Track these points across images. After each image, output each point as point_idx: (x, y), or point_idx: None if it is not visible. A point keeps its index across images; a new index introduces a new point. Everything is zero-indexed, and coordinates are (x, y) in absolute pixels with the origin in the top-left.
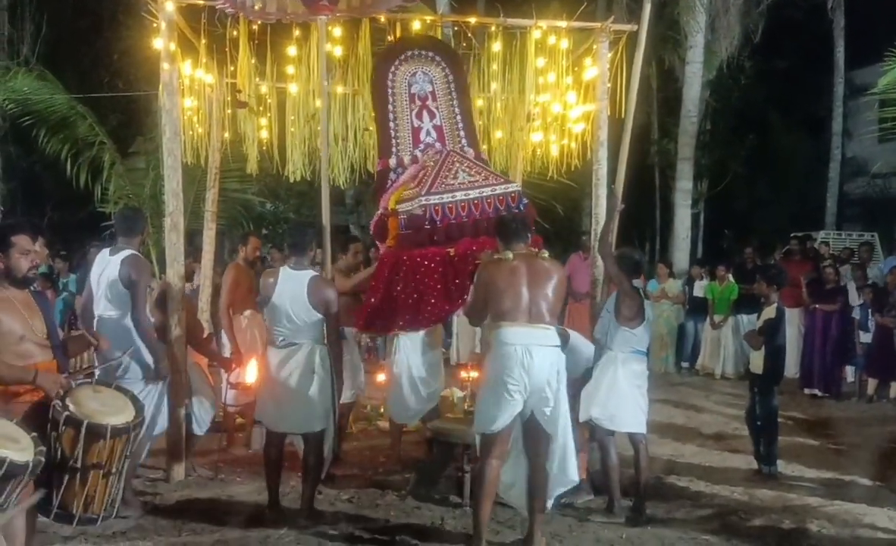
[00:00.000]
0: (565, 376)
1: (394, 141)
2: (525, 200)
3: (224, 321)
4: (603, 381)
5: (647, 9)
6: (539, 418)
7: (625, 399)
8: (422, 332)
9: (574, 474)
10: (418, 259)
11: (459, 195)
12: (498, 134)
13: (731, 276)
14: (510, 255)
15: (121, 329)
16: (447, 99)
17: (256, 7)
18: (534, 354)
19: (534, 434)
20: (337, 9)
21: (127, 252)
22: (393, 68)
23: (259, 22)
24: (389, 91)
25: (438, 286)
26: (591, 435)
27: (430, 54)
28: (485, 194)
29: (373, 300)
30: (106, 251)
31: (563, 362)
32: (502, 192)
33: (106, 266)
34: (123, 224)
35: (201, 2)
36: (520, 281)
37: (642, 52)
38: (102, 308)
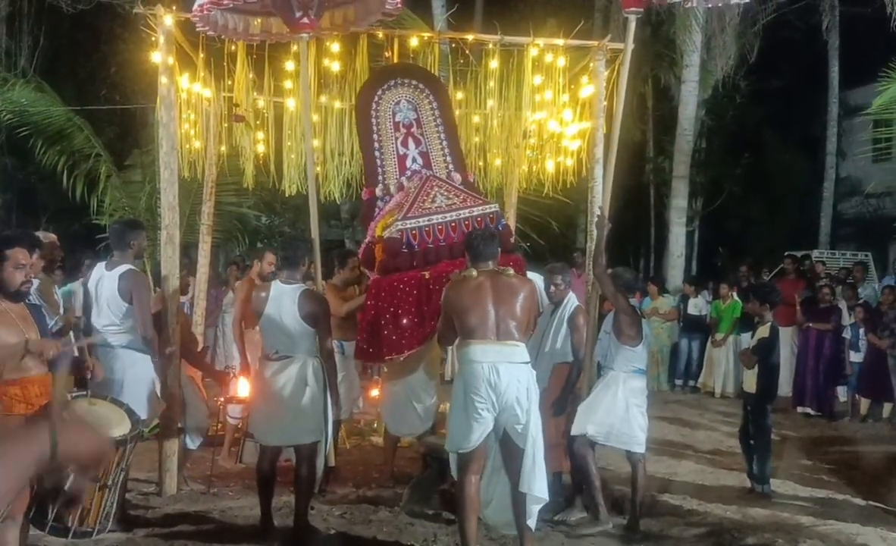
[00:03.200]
0: (536, 393)
1: (380, 170)
2: (504, 221)
3: (235, 333)
4: (603, 399)
5: (632, 28)
6: (512, 435)
7: (625, 418)
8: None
9: (543, 492)
10: (395, 283)
11: (437, 218)
12: (494, 150)
13: (734, 295)
14: (474, 272)
15: (121, 343)
16: (432, 126)
17: (238, 28)
18: (501, 372)
19: (512, 452)
20: (319, 26)
21: (124, 267)
22: (376, 98)
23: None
24: (373, 120)
25: (413, 309)
26: (570, 446)
27: (414, 82)
28: (462, 216)
29: (364, 329)
30: (101, 265)
31: (533, 379)
32: (480, 214)
33: (100, 280)
34: (116, 237)
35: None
36: (485, 298)
37: (627, 71)
38: (104, 321)
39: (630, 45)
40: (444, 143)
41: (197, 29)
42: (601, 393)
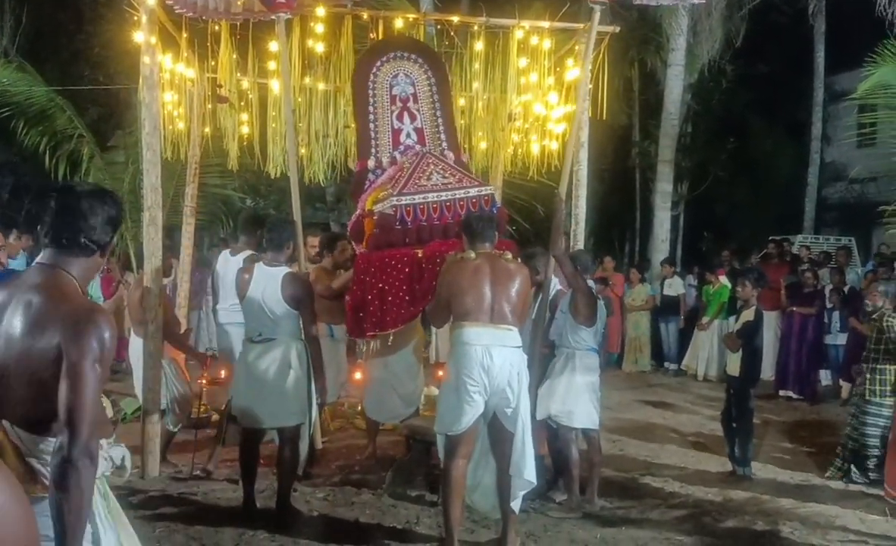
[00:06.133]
0: (527, 377)
1: (373, 142)
2: (498, 204)
3: None
4: (560, 379)
5: (596, 19)
6: (501, 419)
7: (581, 396)
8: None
9: (531, 476)
10: (386, 259)
11: (431, 197)
12: (479, 133)
13: (722, 279)
14: (472, 254)
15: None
16: (429, 102)
17: (219, 8)
18: (494, 355)
19: (500, 435)
20: (296, 5)
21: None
22: (375, 69)
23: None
24: (370, 92)
25: (404, 287)
26: (554, 435)
27: (413, 56)
28: (457, 196)
29: (351, 304)
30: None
31: (524, 363)
32: (475, 195)
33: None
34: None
35: None
36: (482, 281)
37: (589, 63)
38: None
39: (594, 37)
40: (440, 120)
41: (176, 11)
42: (557, 373)
